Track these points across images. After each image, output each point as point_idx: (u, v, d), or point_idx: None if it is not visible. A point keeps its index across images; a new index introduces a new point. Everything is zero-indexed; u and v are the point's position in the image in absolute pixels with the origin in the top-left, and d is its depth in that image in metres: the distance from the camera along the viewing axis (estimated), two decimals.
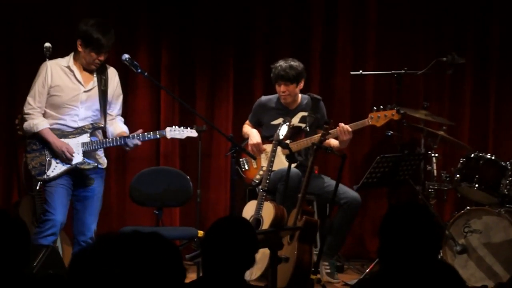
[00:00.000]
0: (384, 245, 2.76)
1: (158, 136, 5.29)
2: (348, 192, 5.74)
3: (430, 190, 6.04)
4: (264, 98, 6.05)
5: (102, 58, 5.08)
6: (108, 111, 5.24)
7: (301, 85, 5.87)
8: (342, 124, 5.62)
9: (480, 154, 5.79)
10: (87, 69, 5.14)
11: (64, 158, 5.08)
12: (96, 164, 5.19)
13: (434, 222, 2.80)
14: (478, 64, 6.79)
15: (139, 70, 5.13)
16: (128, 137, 5.15)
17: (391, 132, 6.16)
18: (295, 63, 5.80)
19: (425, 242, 2.71)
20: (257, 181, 5.83)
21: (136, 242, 1.99)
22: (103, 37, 5.01)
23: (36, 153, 5.12)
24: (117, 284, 1.95)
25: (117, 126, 5.25)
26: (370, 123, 5.68)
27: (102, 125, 5.22)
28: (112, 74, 5.25)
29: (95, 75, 5.17)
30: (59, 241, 5.67)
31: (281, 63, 5.80)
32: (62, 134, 5.12)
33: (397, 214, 2.79)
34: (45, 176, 5.09)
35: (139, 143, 5.16)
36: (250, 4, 6.81)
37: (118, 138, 5.17)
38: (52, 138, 5.07)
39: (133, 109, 6.51)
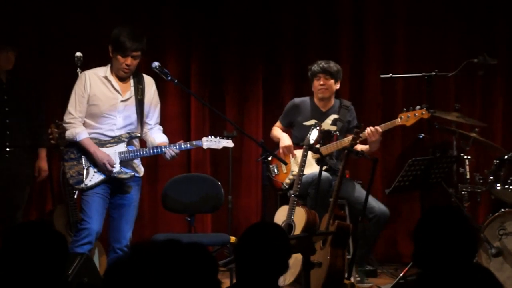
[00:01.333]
0: (419, 249, 2.73)
1: (194, 146, 5.30)
2: (376, 207, 5.73)
3: (463, 192, 5.99)
4: (297, 99, 6.11)
5: (128, 62, 5.11)
6: (146, 120, 5.29)
7: (338, 85, 5.96)
8: (370, 127, 5.62)
9: None
10: (120, 77, 5.18)
11: (105, 169, 5.12)
12: (133, 173, 5.22)
13: (470, 224, 2.77)
14: (510, 64, 6.73)
15: (169, 78, 5.16)
16: (165, 146, 5.17)
17: (423, 134, 6.14)
18: (335, 63, 5.97)
19: (461, 246, 2.69)
20: (286, 186, 5.85)
21: (173, 252, 1.99)
22: (129, 40, 5.06)
23: (74, 161, 5.16)
24: None
25: (156, 136, 5.27)
26: (400, 122, 5.67)
27: (139, 134, 5.25)
28: (149, 83, 5.30)
29: (132, 84, 5.21)
30: (97, 252, 5.71)
31: (322, 61, 5.95)
32: (99, 143, 5.16)
33: (432, 217, 2.76)
34: (83, 185, 5.12)
35: (178, 152, 5.17)
36: (278, 8, 6.81)
37: (155, 147, 5.19)
38: (93, 148, 5.11)
39: (164, 116, 6.45)
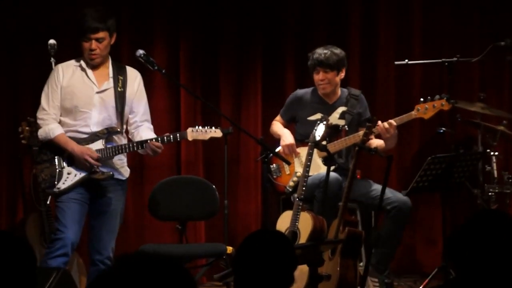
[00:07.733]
0: (460, 257, 2.66)
1: (178, 138, 5.30)
2: (396, 196, 5.73)
3: (490, 193, 6.02)
4: (300, 91, 6.13)
5: (93, 46, 5.12)
6: (131, 117, 5.31)
7: (342, 74, 5.95)
8: (383, 123, 5.63)
9: None
10: (93, 65, 5.20)
11: (88, 166, 5.09)
12: (111, 172, 5.19)
13: None
14: None
15: (156, 67, 5.21)
16: (146, 141, 5.15)
17: (444, 128, 6.16)
18: (335, 49, 5.91)
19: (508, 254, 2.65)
20: (290, 189, 5.87)
21: (142, 271, 2.01)
22: (89, 21, 5.09)
23: (47, 163, 5.20)
24: None
25: (144, 134, 5.26)
26: (416, 115, 5.69)
27: (119, 130, 5.24)
28: (133, 75, 5.33)
29: (110, 75, 5.24)
30: (76, 268, 5.74)
31: (320, 50, 5.91)
32: (75, 141, 5.15)
33: (480, 222, 2.70)
34: (55, 189, 5.13)
35: (160, 145, 5.16)
36: None
37: (135, 142, 5.19)
38: (71, 144, 5.13)
39: (151, 111, 6.48)
